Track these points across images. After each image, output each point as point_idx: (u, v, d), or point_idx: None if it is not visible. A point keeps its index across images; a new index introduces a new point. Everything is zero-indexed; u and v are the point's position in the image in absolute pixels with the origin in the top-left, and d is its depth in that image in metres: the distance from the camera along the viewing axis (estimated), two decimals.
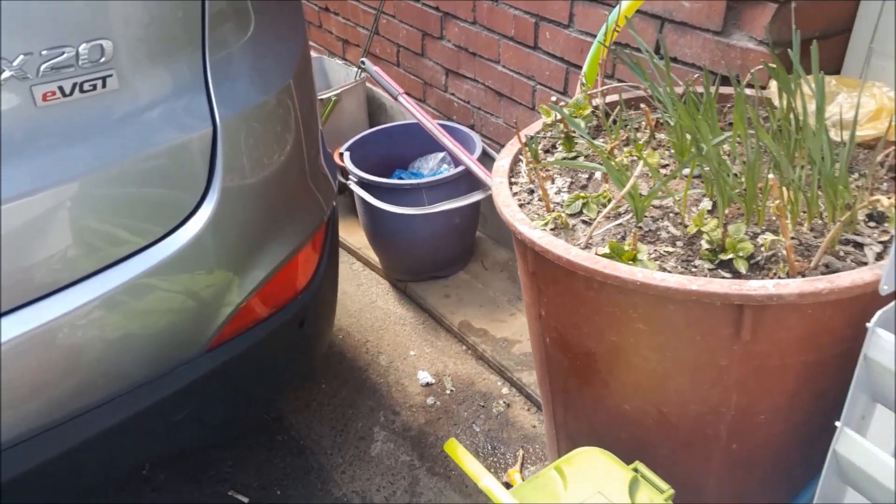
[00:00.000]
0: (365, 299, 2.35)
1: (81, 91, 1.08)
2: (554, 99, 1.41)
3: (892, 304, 0.83)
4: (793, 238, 1.06)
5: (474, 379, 2.02)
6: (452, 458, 1.08)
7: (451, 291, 2.29)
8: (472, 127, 2.36)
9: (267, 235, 1.35)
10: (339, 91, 2.56)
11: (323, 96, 2.50)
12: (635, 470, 1.10)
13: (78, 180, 1.11)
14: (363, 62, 2.31)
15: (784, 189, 1.05)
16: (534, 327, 1.34)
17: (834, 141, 1.15)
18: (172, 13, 1.15)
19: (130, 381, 1.25)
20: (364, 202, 2.15)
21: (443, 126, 2.15)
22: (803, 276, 0.99)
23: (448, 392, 1.98)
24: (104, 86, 1.10)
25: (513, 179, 1.32)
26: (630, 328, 1.09)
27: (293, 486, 1.73)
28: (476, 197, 2.09)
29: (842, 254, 1.04)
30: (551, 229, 1.16)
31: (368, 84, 2.73)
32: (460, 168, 2.09)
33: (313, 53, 2.80)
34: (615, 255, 1.06)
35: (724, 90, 1.43)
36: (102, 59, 1.08)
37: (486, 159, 2.11)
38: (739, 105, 1.10)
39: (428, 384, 2.01)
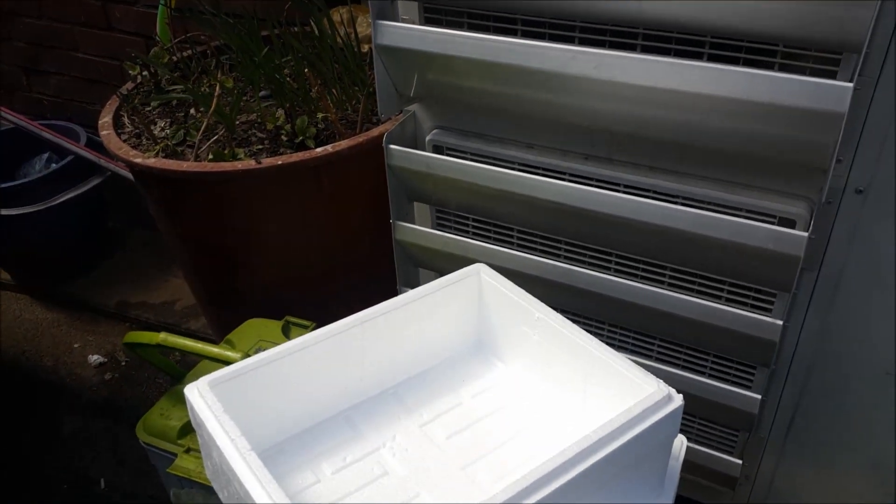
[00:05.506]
0: (8, 316, 2.30)
1: None
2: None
3: (395, 125, 1.19)
4: (341, 118, 1.44)
5: None
6: (136, 342, 1.25)
7: (100, 279, 2.36)
8: (69, 119, 2.41)
9: None
10: None
11: None
12: (286, 321, 1.41)
13: None
14: None
15: (325, 84, 1.42)
16: (180, 250, 1.56)
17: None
18: None
19: None
20: None
21: (42, 125, 2.18)
22: None
23: (123, 363, 2.08)
24: None
25: (119, 131, 1.51)
26: (251, 210, 1.38)
27: None
28: (96, 180, 2.18)
29: (375, 120, 1.45)
30: (163, 157, 1.39)
31: None
32: (69, 157, 2.16)
33: None
34: (219, 159, 1.33)
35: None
36: None
37: (94, 147, 2.20)
38: (286, 36, 1.44)
39: (101, 364, 2.08)
